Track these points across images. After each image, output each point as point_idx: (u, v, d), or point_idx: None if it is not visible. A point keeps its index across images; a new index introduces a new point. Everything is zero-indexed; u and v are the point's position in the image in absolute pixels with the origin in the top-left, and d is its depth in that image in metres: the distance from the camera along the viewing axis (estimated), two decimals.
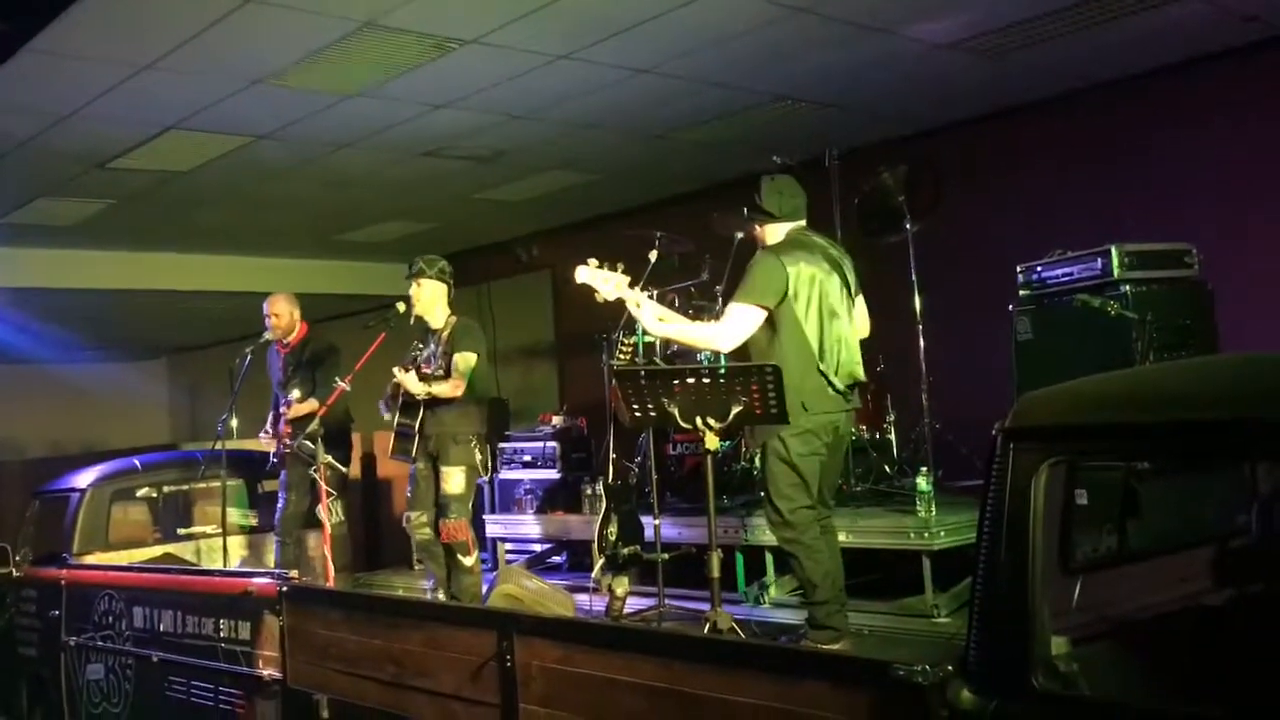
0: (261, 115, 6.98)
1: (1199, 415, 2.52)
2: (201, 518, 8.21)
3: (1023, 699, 2.55)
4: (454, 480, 6.15)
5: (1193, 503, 3.42)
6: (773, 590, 5.76)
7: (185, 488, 8.17)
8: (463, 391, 6.08)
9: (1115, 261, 5.54)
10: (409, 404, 6.17)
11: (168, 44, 5.75)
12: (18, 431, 14.88)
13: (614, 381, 4.83)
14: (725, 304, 5.13)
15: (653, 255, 6.07)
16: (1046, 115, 7.68)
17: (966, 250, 7.37)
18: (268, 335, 7.37)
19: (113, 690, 6.64)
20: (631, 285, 4.88)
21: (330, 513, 6.31)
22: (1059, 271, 5.79)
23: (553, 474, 7.70)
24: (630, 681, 3.47)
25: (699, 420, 4.46)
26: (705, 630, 4.48)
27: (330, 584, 6.02)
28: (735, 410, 4.42)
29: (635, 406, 4.59)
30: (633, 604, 5.65)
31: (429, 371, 6.16)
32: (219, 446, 7.32)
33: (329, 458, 6.27)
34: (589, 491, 7.02)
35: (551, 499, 7.61)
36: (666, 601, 5.60)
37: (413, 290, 6.25)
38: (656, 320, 4.92)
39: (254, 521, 8.16)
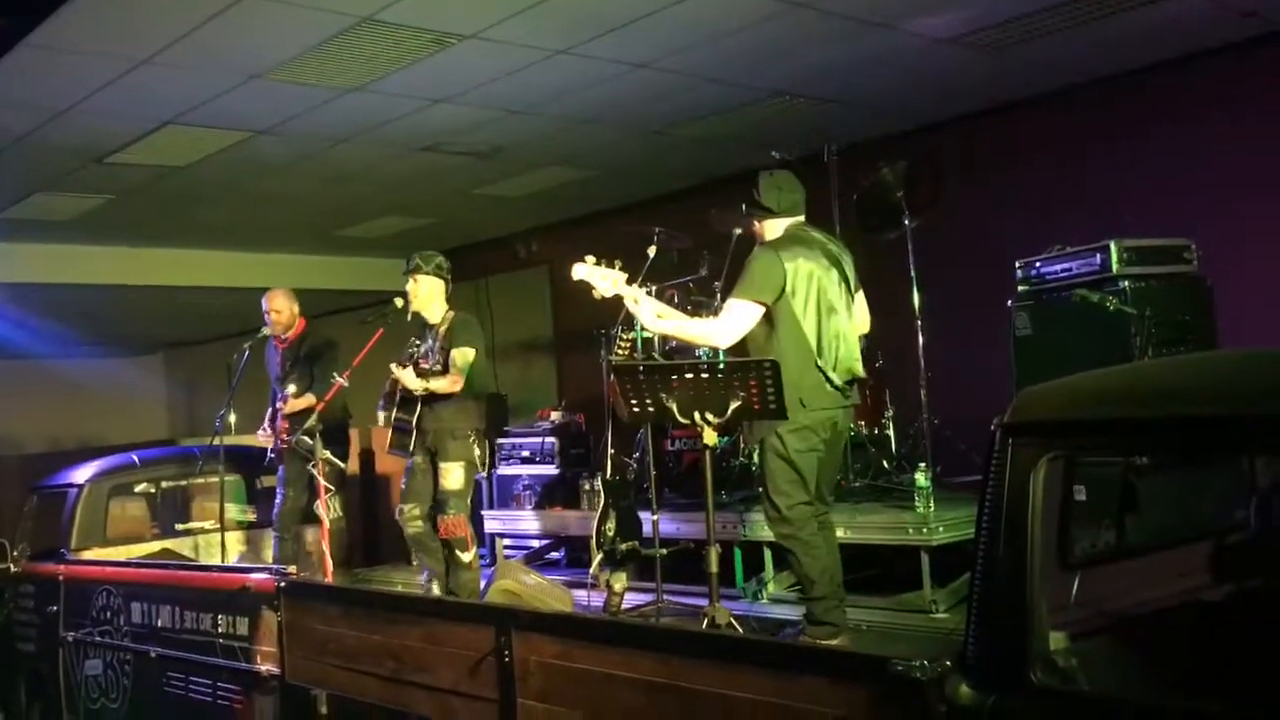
0: (259, 110, 6.97)
1: (1198, 410, 2.51)
2: (200, 513, 8.22)
3: (1021, 694, 2.55)
4: (453, 476, 6.15)
5: (1191, 498, 3.42)
6: (771, 586, 5.77)
7: (183, 483, 8.18)
8: (460, 387, 6.07)
9: (1114, 257, 5.54)
10: (407, 399, 6.16)
11: (165, 38, 5.73)
12: (15, 427, 14.87)
13: (612, 376, 4.83)
14: (723, 300, 5.13)
15: (651, 251, 6.06)
16: (1045, 110, 7.68)
17: (965, 246, 7.36)
18: (265, 331, 7.37)
19: (111, 685, 6.64)
20: (630, 281, 4.88)
21: (329, 508, 6.30)
22: (1058, 267, 5.79)
23: (551, 470, 7.70)
24: (628, 676, 3.47)
25: (697, 415, 4.47)
26: (703, 625, 4.49)
27: (328, 579, 6.02)
28: (734, 405, 4.42)
29: (634, 401, 4.59)
30: (631, 599, 5.65)
31: (427, 367, 6.15)
32: (217, 442, 7.33)
33: (327, 453, 6.26)
34: (587, 487, 7.02)
35: (550, 495, 7.61)
36: (665, 597, 5.59)
37: (409, 286, 6.25)
38: (654, 316, 4.92)
39: (252, 517, 8.17)
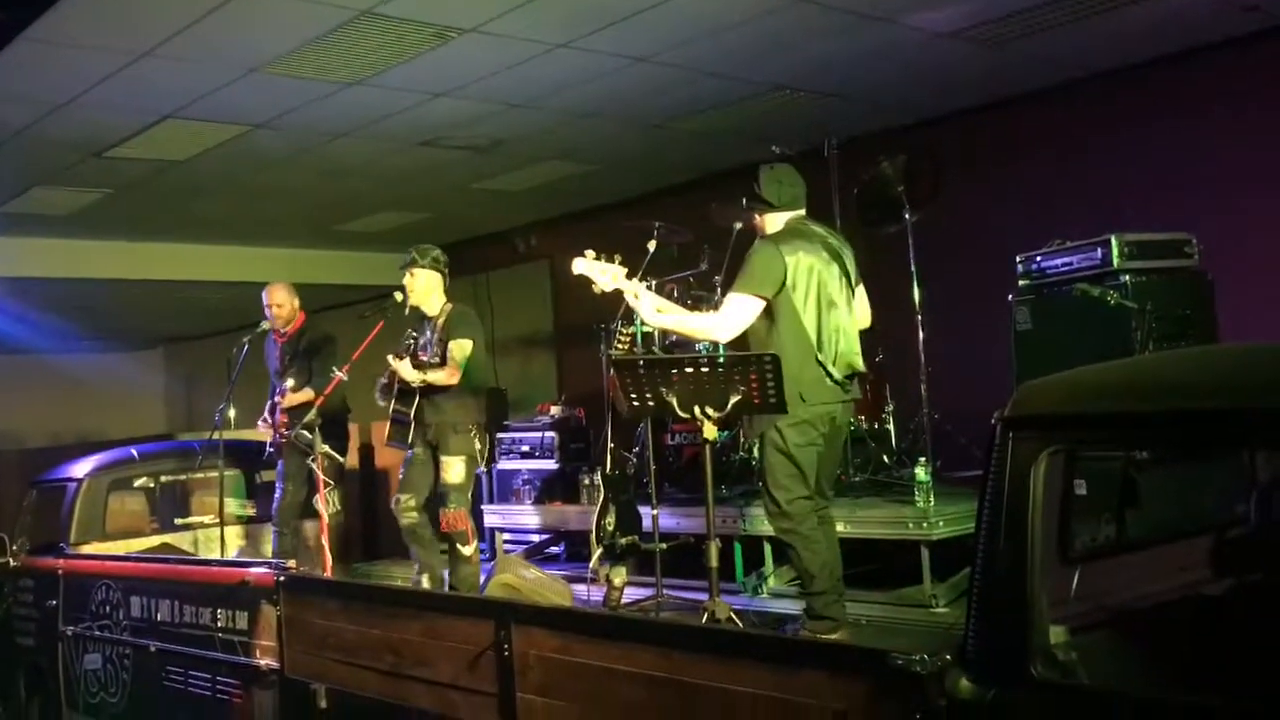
0: (258, 104, 6.96)
1: (1198, 404, 2.51)
2: (199, 508, 8.21)
3: (1021, 688, 2.54)
4: (454, 470, 6.15)
5: (1191, 492, 3.42)
6: (771, 580, 5.77)
7: (182, 478, 8.17)
8: (458, 379, 6.06)
9: (1115, 251, 5.53)
10: (405, 391, 6.16)
11: (164, 32, 5.72)
12: (15, 422, 14.87)
13: (612, 371, 4.82)
14: (724, 294, 5.12)
15: (651, 245, 6.05)
16: (1046, 105, 7.67)
17: (966, 240, 7.35)
18: (265, 325, 7.37)
19: (110, 680, 6.63)
20: (630, 276, 4.87)
21: (328, 503, 6.30)
22: (1058, 261, 5.78)
23: (551, 464, 7.71)
24: (628, 671, 3.47)
25: (697, 410, 4.46)
26: (703, 620, 4.48)
27: (328, 574, 6.01)
28: (734, 400, 4.41)
29: (634, 396, 4.58)
30: (631, 594, 5.65)
31: (425, 359, 6.15)
32: (216, 436, 7.33)
33: (326, 447, 6.26)
34: (587, 482, 7.03)
35: (549, 489, 7.61)
36: (664, 592, 5.59)
37: (407, 280, 6.24)
38: (654, 311, 4.91)
39: (251, 512, 8.17)
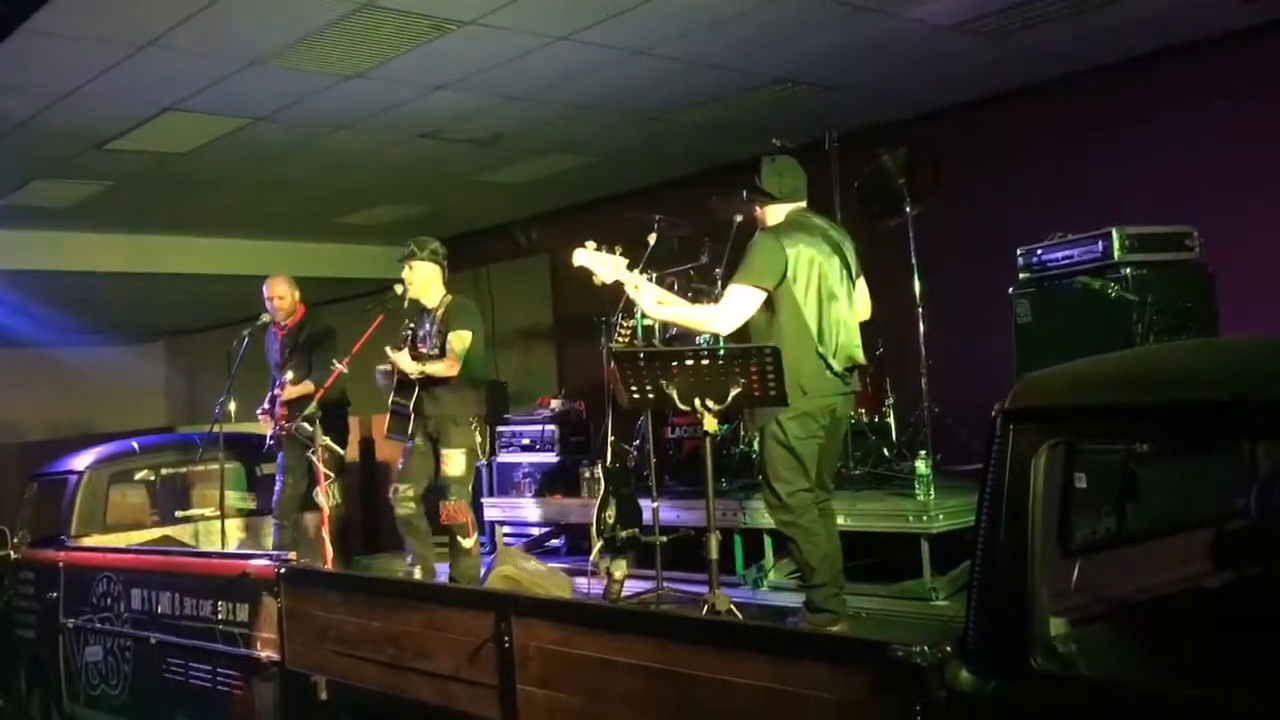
0: (259, 96, 6.96)
1: (1199, 396, 2.51)
2: (200, 500, 8.22)
3: (1021, 679, 2.55)
4: (454, 462, 6.15)
5: (1191, 485, 3.42)
6: (771, 573, 5.76)
7: (183, 470, 8.18)
8: (457, 371, 6.06)
9: (1116, 244, 5.52)
10: (404, 383, 6.16)
11: (165, 23, 5.72)
12: (16, 415, 14.88)
13: (613, 363, 4.82)
14: (724, 287, 5.11)
15: (652, 238, 6.05)
16: (1047, 98, 7.66)
17: (967, 233, 7.35)
18: (265, 318, 7.37)
19: (111, 672, 6.64)
20: (630, 268, 4.87)
21: (329, 495, 6.30)
22: (1059, 254, 5.77)
23: (551, 457, 7.70)
24: (628, 663, 3.47)
25: (697, 402, 4.45)
26: (703, 613, 4.48)
27: (328, 566, 6.02)
28: (734, 392, 4.41)
29: (634, 388, 4.58)
30: (631, 587, 5.65)
31: (425, 351, 6.15)
32: (217, 429, 7.33)
33: (326, 439, 6.26)
34: (587, 475, 7.02)
35: (550, 482, 7.61)
36: (665, 584, 5.59)
37: (406, 273, 6.24)
38: (655, 303, 4.91)
39: (252, 505, 8.17)
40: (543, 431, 7.80)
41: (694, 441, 6.60)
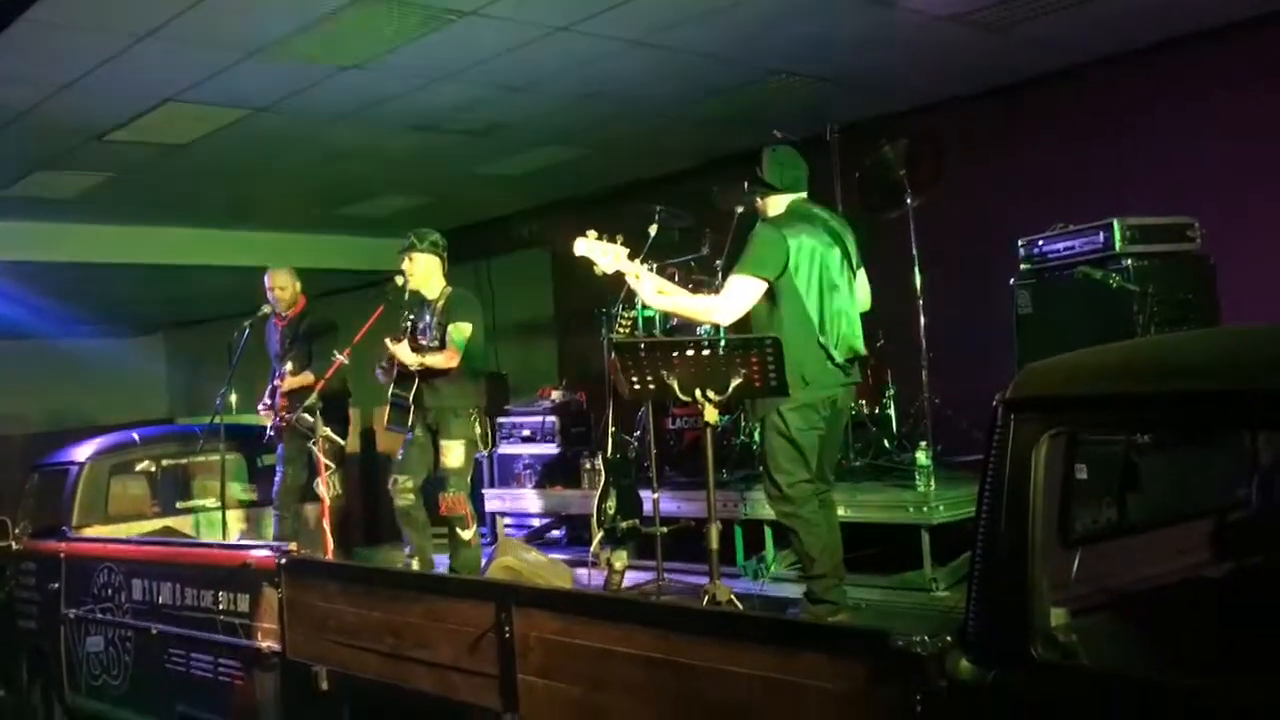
0: (260, 87, 6.94)
1: (1200, 386, 2.51)
2: (200, 491, 8.23)
3: (1021, 669, 2.55)
4: (453, 454, 6.15)
5: (1192, 475, 3.42)
6: (772, 564, 5.76)
7: (184, 461, 8.19)
8: (457, 362, 6.06)
9: (1117, 235, 5.51)
10: (403, 375, 6.16)
11: (165, 14, 5.70)
12: (17, 406, 14.88)
13: (613, 353, 4.82)
14: (725, 278, 5.11)
15: (652, 230, 6.04)
16: (1048, 89, 7.64)
17: (967, 224, 7.34)
18: (266, 309, 7.38)
19: (112, 662, 6.65)
20: (630, 258, 4.86)
21: (329, 486, 6.30)
22: (1060, 245, 5.76)
23: (552, 449, 7.71)
24: (628, 653, 3.48)
25: (698, 393, 4.45)
26: (704, 603, 4.49)
27: (329, 557, 6.02)
28: (735, 383, 4.40)
29: (634, 378, 4.57)
30: (631, 578, 5.65)
31: (425, 343, 6.15)
32: (217, 420, 7.34)
33: (327, 430, 6.26)
34: (588, 466, 7.02)
35: (550, 473, 7.61)
36: (665, 575, 5.59)
37: (405, 264, 6.24)
38: (656, 293, 4.90)
39: (253, 496, 8.18)
40: (543, 423, 7.80)
41: (695, 432, 6.60)
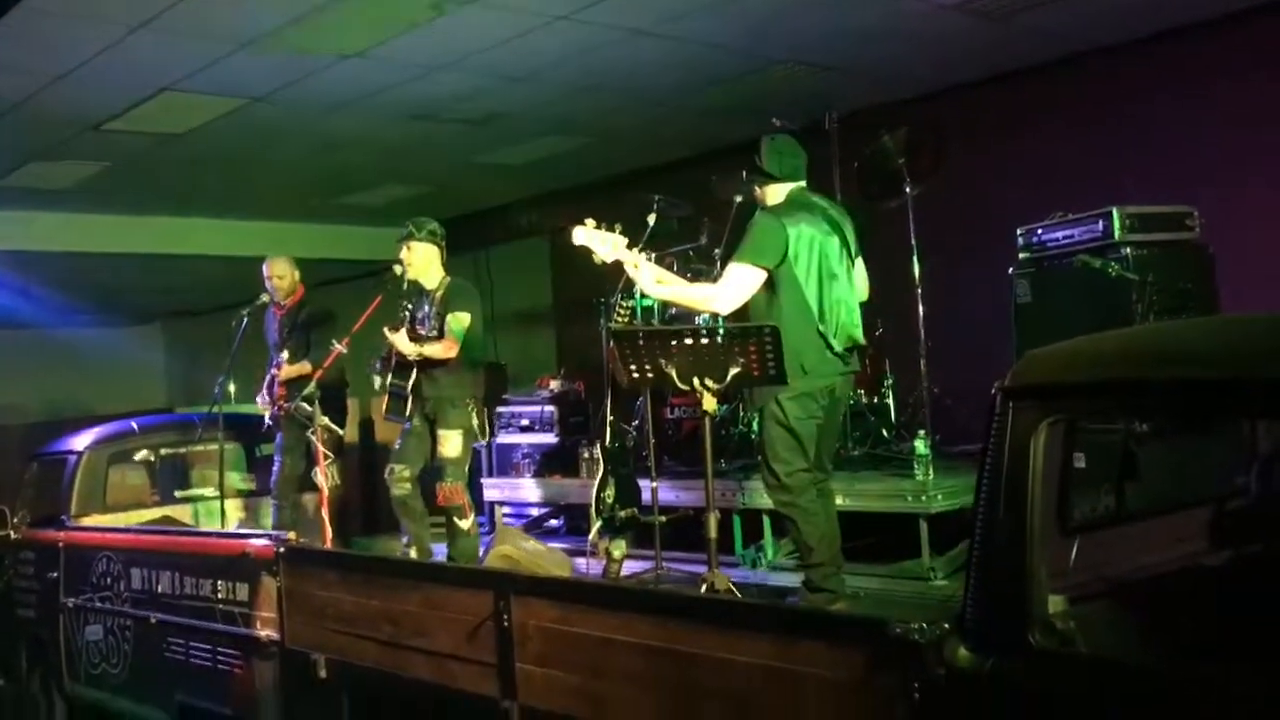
0: (256, 77, 6.92)
1: (1199, 374, 2.50)
2: (199, 481, 8.23)
3: (1020, 657, 2.55)
4: (451, 444, 6.14)
5: (1191, 463, 3.42)
6: (770, 553, 5.77)
7: (182, 451, 8.19)
8: (455, 352, 6.05)
9: (1116, 223, 5.51)
10: (402, 365, 6.15)
11: (162, 3, 5.68)
12: (16, 396, 14.88)
13: (612, 342, 4.81)
14: (723, 268, 5.11)
15: (651, 219, 6.03)
16: (1049, 78, 7.63)
17: (967, 213, 7.33)
18: (265, 298, 7.37)
19: (111, 651, 6.66)
20: (629, 247, 4.85)
21: (328, 475, 6.30)
22: (1059, 234, 5.76)
23: (550, 438, 7.71)
24: (627, 641, 3.48)
25: (697, 381, 4.45)
26: (702, 591, 4.49)
27: (328, 546, 6.02)
28: (733, 371, 4.40)
29: (633, 367, 4.57)
30: (630, 567, 5.66)
31: (423, 333, 6.14)
32: (216, 410, 7.33)
33: (325, 419, 6.26)
34: (586, 455, 7.01)
35: (549, 463, 7.61)
36: (664, 564, 5.60)
37: (404, 253, 6.22)
38: (655, 282, 4.90)
39: (251, 485, 8.18)
40: (542, 412, 7.80)
41: (693, 421, 6.59)
